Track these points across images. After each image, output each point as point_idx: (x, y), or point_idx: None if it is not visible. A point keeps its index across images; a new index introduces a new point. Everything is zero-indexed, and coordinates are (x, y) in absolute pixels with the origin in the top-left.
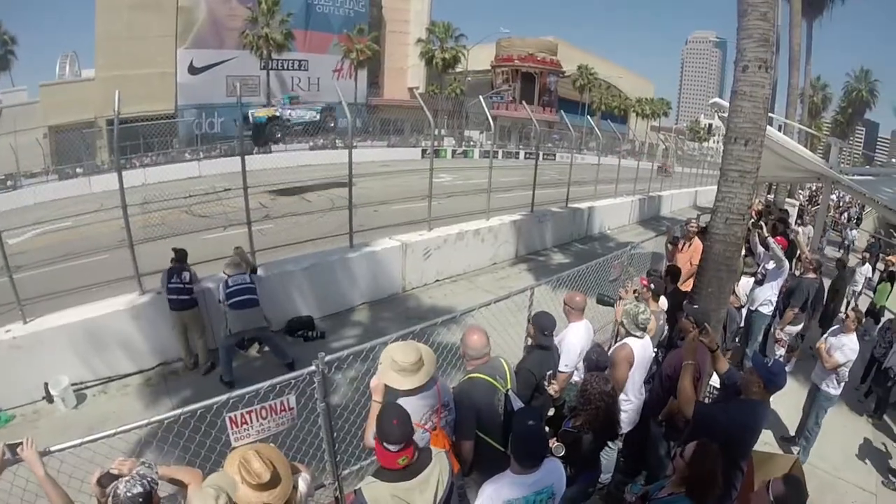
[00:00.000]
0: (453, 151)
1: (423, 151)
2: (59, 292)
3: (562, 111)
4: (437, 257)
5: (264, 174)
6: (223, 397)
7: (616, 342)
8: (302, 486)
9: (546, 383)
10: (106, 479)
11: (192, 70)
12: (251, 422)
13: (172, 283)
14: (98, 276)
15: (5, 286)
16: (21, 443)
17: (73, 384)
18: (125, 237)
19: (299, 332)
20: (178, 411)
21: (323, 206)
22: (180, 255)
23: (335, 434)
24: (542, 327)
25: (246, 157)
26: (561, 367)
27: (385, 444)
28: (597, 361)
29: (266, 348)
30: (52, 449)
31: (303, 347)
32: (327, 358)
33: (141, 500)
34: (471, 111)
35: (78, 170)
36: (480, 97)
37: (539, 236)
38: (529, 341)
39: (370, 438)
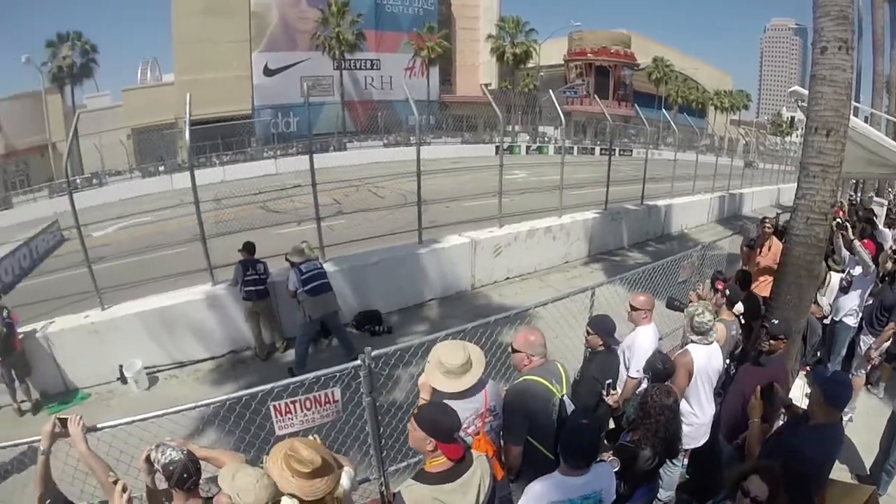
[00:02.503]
0: (527, 147)
1: (497, 148)
2: (137, 282)
3: (637, 105)
4: (507, 255)
5: (339, 171)
6: (267, 386)
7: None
8: (345, 480)
9: (605, 392)
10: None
11: (268, 72)
12: (295, 411)
13: (249, 276)
14: (175, 267)
15: (86, 276)
16: (69, 418)
17: (146, 367)
18: (207, 230)
19: (367, 325)
20: (224, 397)
21: (394, 203)
22: (249, 248)
23: (382, 430)
24: (606, 330)
25: (321, 154)
26: (631, 373)
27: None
28: (664, 370)
29: (334, 342)
30: (99, 426)
31: (371, 342)
32: (374, 353)
33: (172, 467)
34: (544, 106)
35: (160, 168)
36: (551, 92)
37: (613, 235)
38: (588, 347)
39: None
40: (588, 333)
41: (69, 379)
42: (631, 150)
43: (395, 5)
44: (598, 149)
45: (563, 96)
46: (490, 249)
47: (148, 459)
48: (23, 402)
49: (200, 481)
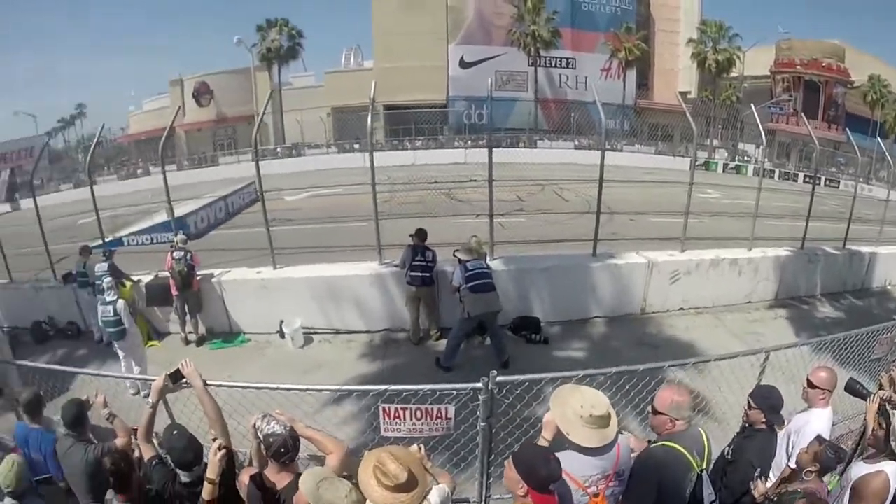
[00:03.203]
0: (724, 165)
1: (693, 162)
2: (314, 247)
3: (848, 130)
4: (685, 283)
5: (526, 168)
6: (380, 387)
7: (862, 456)
8: (435, 496)
9: (755, 481)
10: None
11: (463, 64)
12: (404, 418)
13: (417, 261)
14: (351, 240)
15: (264, 236)
16: (178, 370)
17: (304, 328)
18: (384, 209)
19: (524, 331)
20: (335, 387)
21: (577, 208)
22: (421, 235)
23: (493, 457)
24: (772, 406)
25: (510, 149)
26: (792, 463)
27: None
28: (834, 464)
29: (488, 341)
30: (210, 382)
31: (523, 349)
32: (498, 379)
33: (272, 439)
34: (746, 122)
35: (355, 145)
36: (753, 106)
37: (806, 279)
38: (746, 422)
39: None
40: (750, 406)
41: (234, 323)
42: (838, 182)
43: (591, 4)
44: (801, 175)
45: (768, 112)
46: (667, 274)
47: (255, 426)
48: (190, 333)
49: (298, 457)
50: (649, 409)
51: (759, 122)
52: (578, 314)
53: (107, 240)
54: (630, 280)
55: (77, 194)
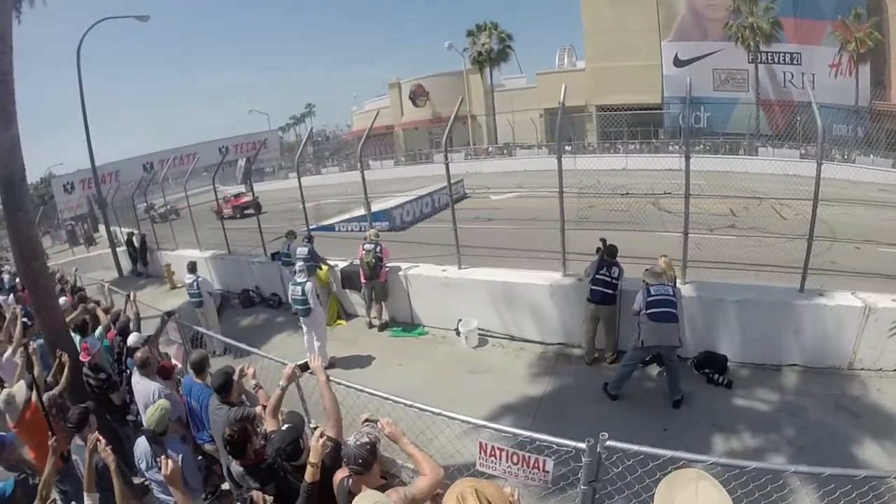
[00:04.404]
0: None
1: None
2: (505, 248)
3: None
4: None
5: (744, 178)
6: (476, 420)
7: None
8: None
9: None
10: (366, 422)
11: (678, 62)
12: (499, 458)
13: (600, 274)
14: (545, 244)
15: (472, 233)
16: (306, 362)
17: (479, 329)
18: (587, 215)
19: (707, 369)
20: (435, 410)
21: (796, 230)
22: (611, 250)
23: None
24: None
25: (729, 157)
26: None
27: None
28: None
29: (665, 373)
30: (333, 378)
31: (702, 388)
32: (608, 443)
33: (369, 447)
34: None
35: (567, 147)
36: None
37: None
38: None
39: None
40: None
41: (416, 315)
42: None
43: None
44: None
45: None
46: (887, 323)
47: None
48: (374, 318)
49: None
50: None
51: None
52: (773, 358)
53: (321, 224)
54: (840, 325)
55: (305, 182)
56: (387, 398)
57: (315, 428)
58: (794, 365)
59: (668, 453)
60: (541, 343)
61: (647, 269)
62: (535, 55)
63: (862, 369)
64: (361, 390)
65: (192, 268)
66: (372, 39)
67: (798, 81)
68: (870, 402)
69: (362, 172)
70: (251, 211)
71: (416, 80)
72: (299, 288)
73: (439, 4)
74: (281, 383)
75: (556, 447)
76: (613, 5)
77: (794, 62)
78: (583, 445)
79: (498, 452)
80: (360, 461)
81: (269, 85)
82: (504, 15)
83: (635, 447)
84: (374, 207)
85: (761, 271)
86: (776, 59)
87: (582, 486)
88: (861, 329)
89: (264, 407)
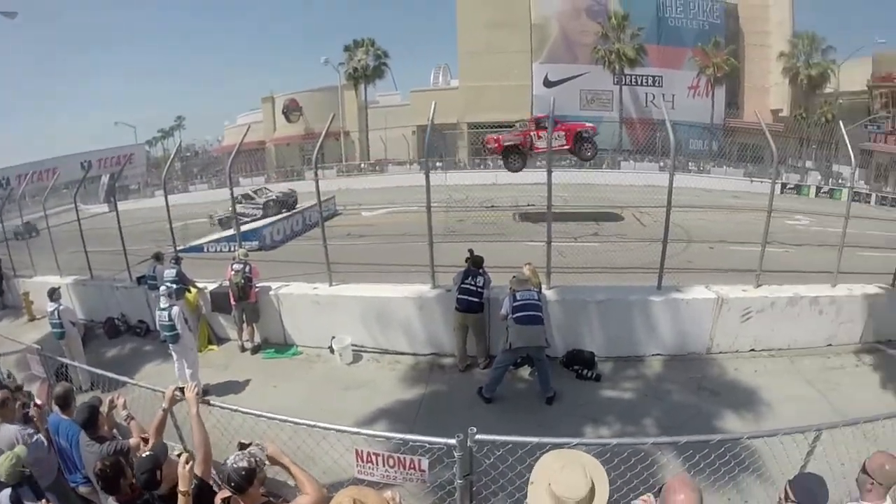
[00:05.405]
0: (817, 189)
1: (784, 186)
2: (374, 264)
3: None
4: (757, 322)
5: (608, 189)
6: (350, 429)
7: None
8: None
9: None
10: (241, 447)
11: (547, 83)
12: (376, 463)
13: (466, 284)
14: (415, 258)
15: (341, 249)
16: (184, 387)
17: (353, 345)
18: (456, 229)
19: (576, 366)
20: (311, 422)
21: (655, 235)
22: (476, 261)
23: None
24: (813, 500)
25: (593, 171)
26: None
27: None
28: None
29: (536, 373)
30: (211, 402)
31: (573, 384)
32: (478, 437)
33: (243, 473)
34: (841, 142)
35: (437, 164)
36: (841, 124)
37: None
38: None
39: None
40: (786, 499)
41: (289, 334)
42: None
43: (678, 18)
44: None
45: (865, 131)
46: (738, 311)
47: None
48: (246, 341)
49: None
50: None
51: (847, 140)
52: (636, 350)
53: (189, 244)
54: (697, 316)
55: (173, 199)
56: (261, 416)
57: (179, 455)
58: (658, 354)
59: (535, 440)
60: (414, 355)
61: (513, 277)
62: (411, 73)
63: (720, 353)
64: (236, 410)
65: (53, 295)
66: (249, 52)
67: (659, 102)
68: (728, 381)
69: (231, 189)
70: None
71: (291, 95)
72: (166, 313)
73: (318, 19)
74: (163, 405)
75: (428, 446)
76: (489, 27)
77: (656, 84)
78: (453, 441)
79: (374, 458)
80: (233, 484)
81: (137, 95)
82: (382, 32)
83: (503, 438)
84: (244, 227)
85: (622, 273)
86: (639, 82)
87: (458, 481)
88: (716, 317)
89: (144, 440)
